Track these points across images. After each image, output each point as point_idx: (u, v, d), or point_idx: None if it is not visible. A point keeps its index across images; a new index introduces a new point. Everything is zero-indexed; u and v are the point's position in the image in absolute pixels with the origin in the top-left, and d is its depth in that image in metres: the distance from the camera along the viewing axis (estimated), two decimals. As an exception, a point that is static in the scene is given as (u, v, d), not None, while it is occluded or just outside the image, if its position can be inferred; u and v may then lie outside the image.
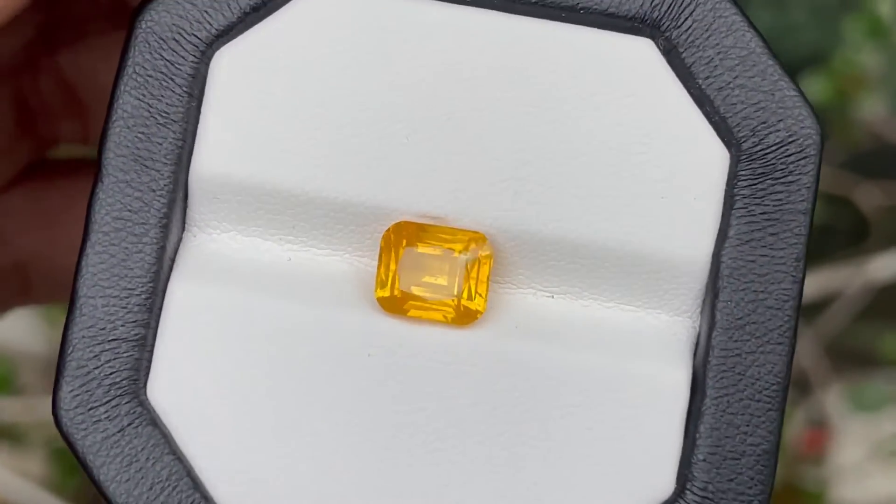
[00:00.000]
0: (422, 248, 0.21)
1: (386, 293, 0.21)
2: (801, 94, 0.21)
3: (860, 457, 0.86)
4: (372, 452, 0.21)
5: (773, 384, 0.21)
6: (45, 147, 0.30)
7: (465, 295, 0.21)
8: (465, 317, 0.21)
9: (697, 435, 0.21)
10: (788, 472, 0.82)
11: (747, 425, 0.21)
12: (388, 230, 0.22)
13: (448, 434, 0.21)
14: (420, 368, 0.21)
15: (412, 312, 0.21)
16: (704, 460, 0.21)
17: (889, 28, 0.82)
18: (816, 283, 0.87)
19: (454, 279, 0.21)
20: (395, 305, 0.21)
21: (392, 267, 0.21)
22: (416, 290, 0.21)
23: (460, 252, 0.21)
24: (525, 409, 0.21)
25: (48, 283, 0.29)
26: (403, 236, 0.21)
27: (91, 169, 0.22)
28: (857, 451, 0.87)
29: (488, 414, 0.21)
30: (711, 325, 0.21)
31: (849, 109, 0.85)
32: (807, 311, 0.87)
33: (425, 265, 0.21)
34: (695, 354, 0.21)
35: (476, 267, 0.21)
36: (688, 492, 0.21)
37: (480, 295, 0.21)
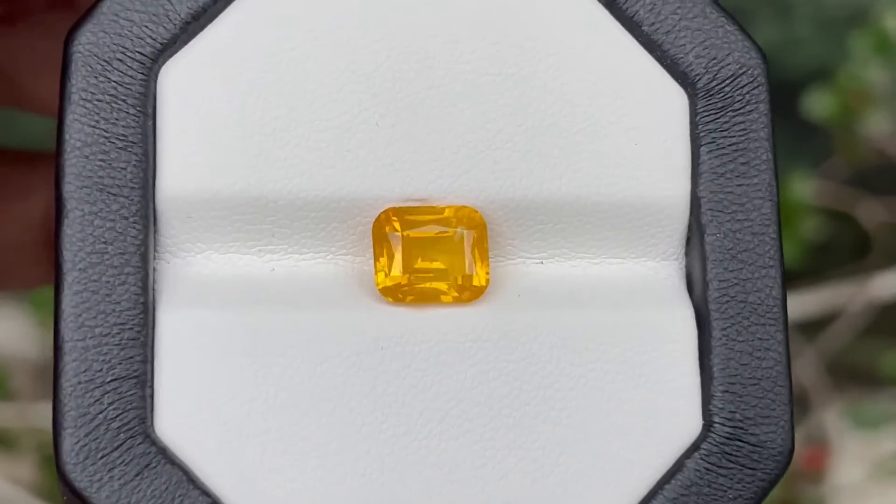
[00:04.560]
0: (415, 232, 0.21)
1: (387, 282, 0.21)
2: (742, 28, 0.22)
3: (859, 475, 0.86)
4: (404, 446, 0.21)
5: (774, 306, 0.21)
6: None
7: (466, 270, 0.21)
8: (469, 293, 0.21)
9: (713, 368, 0.21)
10: (787, 490, 0.81)
11: (759, 350, 0.21)
12: (376, 219, 0.21)
13: (476, 413, 0.21)
14: (435, 352, 0.21)
15: (416, 298, 0.21)
16: (726, 391, 0.21)
17: (895, 43, 0.82)
18: (818, 300, 0.87)
19: (453, 257, 0.21)
20: (398, 293, 0.21)
21: (388, 255, 0.21)
22: (416, 275, 0.21)
23: (454, 229, 0.21)
24: (545, 375, 0.21)
25: None
26: (393, 223, 0.21)
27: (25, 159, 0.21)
28: (857, 469, 0.86)
29: (510, 385, 0.21)
30: (704, 261, 0.22)
31: (854, 125, 0.84)
32: (808, 328, 0.86)
33: (422, 248, 0.21)
34: (691, 294, 0.22)
35: (472, 240, 0.21)
36: (716, 425, 0.21)
37: (482, 268, 0.21)
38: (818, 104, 0.83)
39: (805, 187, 0.83)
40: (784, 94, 0.83)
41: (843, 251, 0.93)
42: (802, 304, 0.85)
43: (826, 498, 0.84)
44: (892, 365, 0.84)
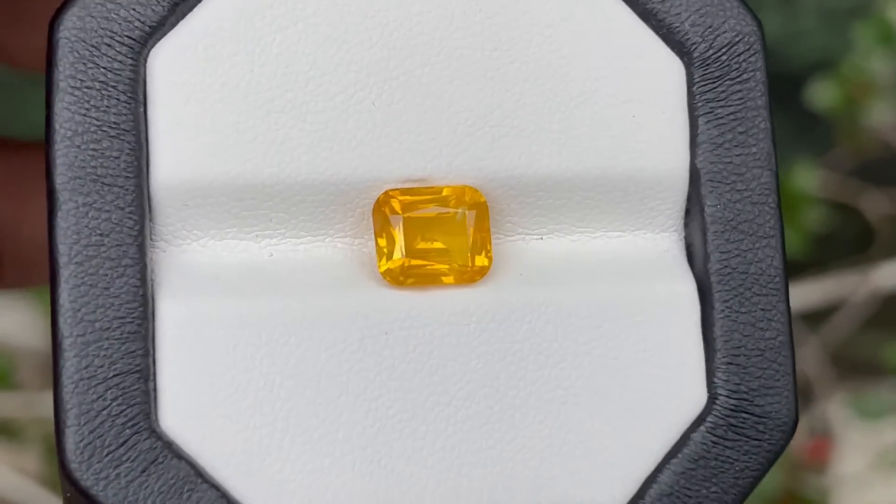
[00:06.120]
0: (416, 213, 0.21)
1: (390, 265, 0.21)
2: None
3: (862, 466, 0.86)
4: (412, 430, 0.21)
5: (776, 276, 0.21)
6: None
7: (468, 251, 0.21)
8: (472, 274, 0.21)
9: (716, 341, 0.21)
10: (790, 480, 0.81)
11: (761, 321, 0.21)
12: (376, 202, 0.21)
13: (482, 394, 0.21)
14: (439, 334, 0.21)
15: (418, 280, 0.21)
16: (730, 363, 0.21)
17: (899, 35, 0.82)
18: (821, 290, 0.87)
19: (455, 237, 0.21)
20: (400, 276, 0.21)
21: (390, 238, 0.21)
22: (419, 257, 0.21)
23: (455, 209, 0.21)
24: (550, 353, 0.21)
25: (17, 258, 0.29)
26: (394, 205, 0.21)
27: None
28: (860, 460, 0.86)
29: (516, 365, 0.21)
30: (704, 232, 0.22)
31: (857, 116, 0.84)
32: (811, 319, 0.86)
33: (424, 229, 0.21)
34: (692, 266, 0.22)
35: (474, 220, 0.21)
36: (720, 397, 0.21)
37: (485, 248, 0.21)
38: (821, 95, 0.83)
39: (808, 178, 0.83)
40: (787, 85, 0.83)
41: (847, 242, 0.93)
42: (806, 294, 0.85)
43: (829, 488, 0.84)
44: (894, 356, 0.84)
